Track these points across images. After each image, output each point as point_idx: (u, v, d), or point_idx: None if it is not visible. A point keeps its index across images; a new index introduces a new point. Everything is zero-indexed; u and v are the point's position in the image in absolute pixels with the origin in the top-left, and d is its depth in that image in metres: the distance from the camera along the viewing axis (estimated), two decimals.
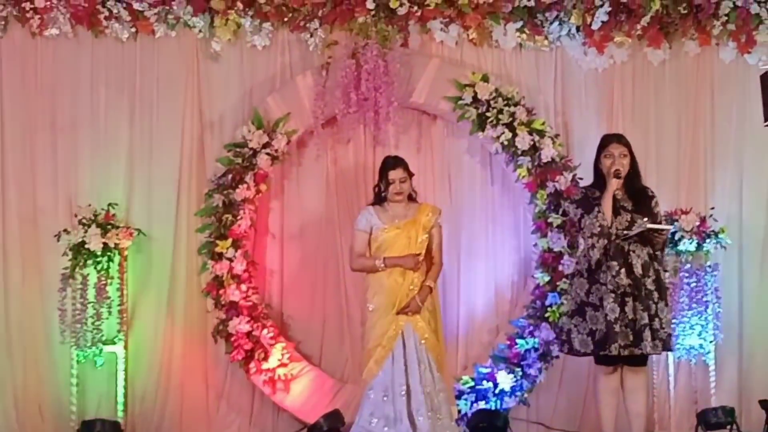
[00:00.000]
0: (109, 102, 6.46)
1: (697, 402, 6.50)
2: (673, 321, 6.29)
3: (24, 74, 6.41)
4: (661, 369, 6.49)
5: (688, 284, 6.31)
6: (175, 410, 6.35)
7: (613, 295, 5.10)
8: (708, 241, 6.36)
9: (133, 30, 6.42)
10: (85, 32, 6.40)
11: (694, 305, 6.32)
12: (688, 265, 6.34)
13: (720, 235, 6.39)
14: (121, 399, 6.17)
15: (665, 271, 5.28)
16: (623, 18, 6.61)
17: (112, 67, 6.46)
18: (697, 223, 6.36)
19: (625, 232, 5.12)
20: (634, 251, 5.14)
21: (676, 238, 6.28)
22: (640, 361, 5.21)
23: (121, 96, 6.47)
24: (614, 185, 5.19)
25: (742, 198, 6.80)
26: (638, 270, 5.11)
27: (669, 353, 5.99)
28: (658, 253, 5.24)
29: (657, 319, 5.09)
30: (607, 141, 5.39)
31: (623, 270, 5.11)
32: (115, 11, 6.34)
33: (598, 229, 5.18)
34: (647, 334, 5.05)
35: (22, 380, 6.26)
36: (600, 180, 5.33)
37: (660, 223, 5.27)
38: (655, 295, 5.12)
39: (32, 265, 6.33)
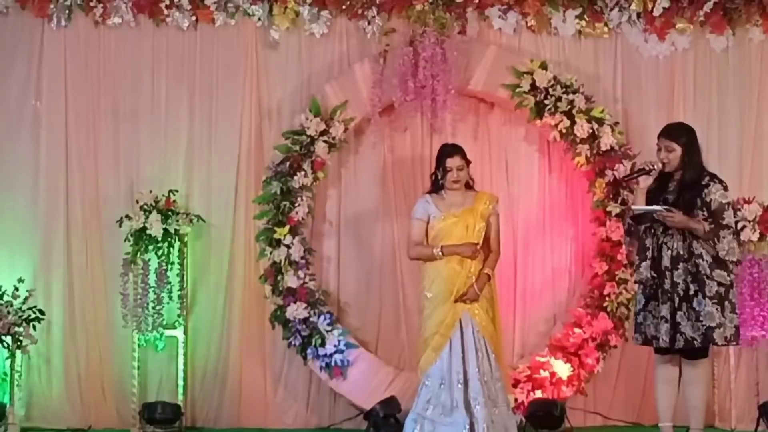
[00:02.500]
0: (169, 90, 6.55)
1: (758, 394, 6.40)
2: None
3: (87, 63, 6.51)
4: (722, 360, 6.41)
5: (751, 274, 6.22)
6: (234, 395, 6.43)
7: (641, 287, 5.08)
8: None
9: (194, 18, 6.49)
10: (146, 21, 6.49)
11: (756, 296, 6.23)
12: (751, 256, 6.25)
13: None
14: (181, 382, 6.27)
15: (725, 262, 5.05)
16: (685, 4, 6.52)
17: (173, 55, 6.55)
18: (760, 213, 6.26)
19: (633, 208, 5.04)
20: (666, 243, 5.06)
21: (739, 227, 6.19)
22: (698, 353, 5.12)
23: (181, 84, 6.55)
24: (641, 183, 5.10)
25: None
26: (665, 263, 5.02)
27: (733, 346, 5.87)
28: (700, 241, 5.04)
29: (685, 312, 5.00)
30: (659, 134, 5.29)
31: (644, 263, 5.06)
32: (175, 0, 6.41)
33: (624, 227, 5.20)
34: (663, 327, 4.98)
35: (85, 363, 6.38)
36: (660, 173, 5.20)
37: (718, 211, 5.05)
38: (691, 288, 5.00)
39: (95, 250, 6.46)
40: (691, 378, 5.13)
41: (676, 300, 4.99)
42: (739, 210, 6.24)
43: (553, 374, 6.29)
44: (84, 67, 6.51)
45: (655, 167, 5.09)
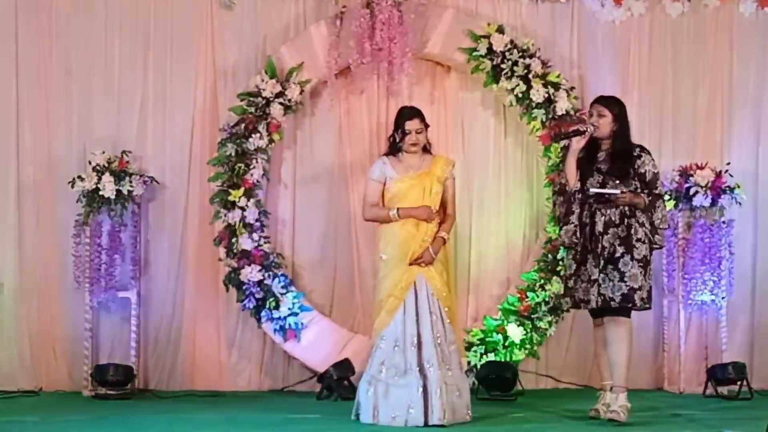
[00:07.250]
0: (123, 49, 6.46)
1: (707, 358, 6.51)
2: (686, 277, 6.29)
3: (39, 20, 6.40)
4: (672, 324, 6.50)
5: (702, 240, 6.30)
6: (187, 357, 6.41)
7: (571, 252, 5.18)
8: (723, 196, 6.33)
9: None
10: None
11: (707, 261, 6.31)
12: (702, 221, 6.32)
13: (735, 191, 6.37)
14: (133, 344, 6.24)
15: (659, 230, 5.18)
16: None
17: (127, 14, 6.46)
18: (712, 179, 6.33)
19: (591, 190, 5.10)
20: (599, 210, 5.13)
21: (691, 193, 6.27)
22: (621, 312, 5.16)
23: (135, 43, 6.47)
24: (573, 144, 5.17)
25: (759, 154, 6.75)
26: (599, 228, 5.11)
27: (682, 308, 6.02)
28: (637, 211, 5.13)
29: (608, 273, 5.06)
30: (593, 101, 5.36)
31: (570, 227, 5.16)
32: None
33: (557, 188, 5.29)
34: (594, 289, 5.08)
35: (36, 324, 6.32)
36: (589, 143, 5.26)
37: (652, 181, 5.15)
38: (618, 250, 5.07)
39: (46, 211, 6.38)
40: (614, 337, 5.18)
41: (601, 262, 5.08)
42: (692, 176, 6.31)
43: (506, 337, 6.34)
44: (35, 25, 6.40)
45: (588, 129, 5.18)
